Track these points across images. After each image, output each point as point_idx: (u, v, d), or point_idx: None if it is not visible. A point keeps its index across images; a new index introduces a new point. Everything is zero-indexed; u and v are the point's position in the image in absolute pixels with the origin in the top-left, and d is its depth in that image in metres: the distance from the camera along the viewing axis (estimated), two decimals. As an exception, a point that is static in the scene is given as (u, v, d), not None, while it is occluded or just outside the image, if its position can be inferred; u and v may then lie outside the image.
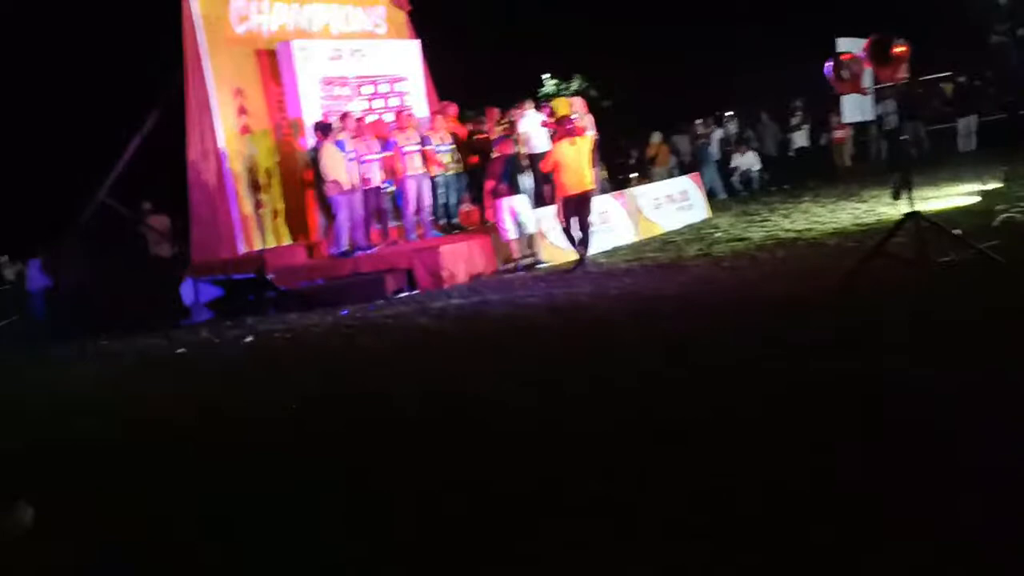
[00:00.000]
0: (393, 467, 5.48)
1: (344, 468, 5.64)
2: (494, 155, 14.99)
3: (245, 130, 15.79)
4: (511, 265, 14.34)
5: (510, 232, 14.30)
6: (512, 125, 16.27)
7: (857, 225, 13.11)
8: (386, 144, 15.36)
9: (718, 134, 24.24)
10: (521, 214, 14.21)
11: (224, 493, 5.56)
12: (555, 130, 14.72)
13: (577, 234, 13.57)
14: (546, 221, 14.53)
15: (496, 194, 14.36)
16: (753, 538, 3.77)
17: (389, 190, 15.55)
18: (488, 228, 16.01)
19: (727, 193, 23.23)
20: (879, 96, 17.73)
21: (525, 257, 14.36)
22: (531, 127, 16.12)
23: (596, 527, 4.08)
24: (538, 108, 17.05)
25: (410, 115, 16.50)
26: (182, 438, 7.11)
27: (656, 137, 24.57)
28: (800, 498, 4.08)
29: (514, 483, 4.84)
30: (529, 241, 14.50)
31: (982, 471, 4.05)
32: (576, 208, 13.47)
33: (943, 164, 19.92)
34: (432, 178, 15.92)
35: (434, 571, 4.00)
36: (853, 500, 3.98)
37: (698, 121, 24.67)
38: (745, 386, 5.91)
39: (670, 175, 22.21)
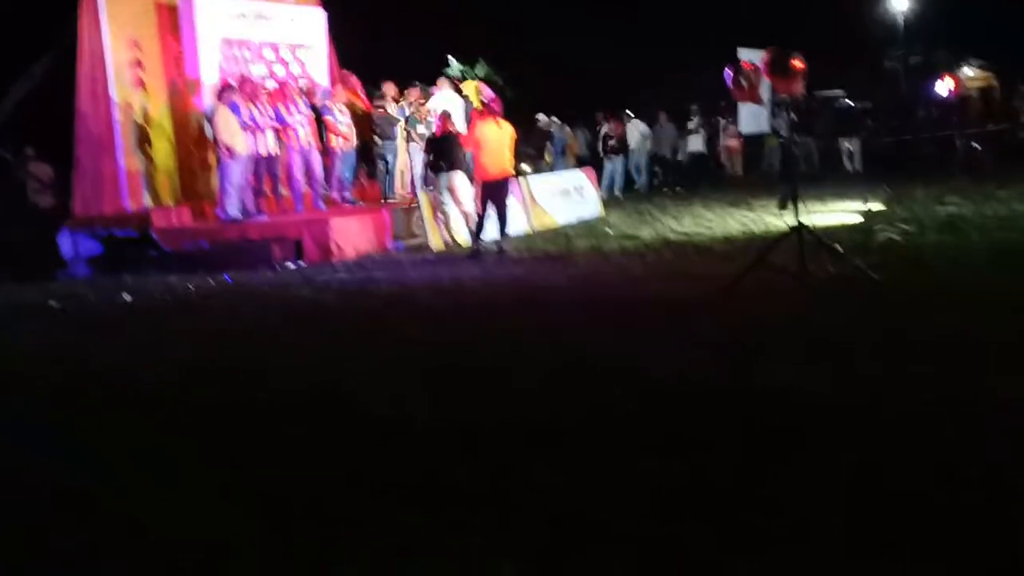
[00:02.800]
0: (254, 447, 5.31)
1: (198, 444, 5.44)
2: (431, 132, 14.98)
3: (139, 84, 15.38)
4: (449, 243, 14.29)
5: (450, 208, 14.23)
6: (422, 105, 16.29)
7: (744, 233, 13.38)
8: (278, 112, 15.14)
9: (641, 128, 24.40)
10: (460, 190, 14.09)
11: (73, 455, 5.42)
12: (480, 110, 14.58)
13: (491, 220, 13.30)
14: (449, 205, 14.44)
15: (437, 170, 14.22)
16: (628, 537, 3.79)
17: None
18: (383, 204, 15.95)
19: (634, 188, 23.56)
20: (775, 108, 18.18)
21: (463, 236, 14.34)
22: (447, 107, 16.01)
23: (469, 522, 4.02)
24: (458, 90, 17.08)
25: (300, 85, 16.33)
26: (38, 396, 6.91)
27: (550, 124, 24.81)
28: (675, 494, 4.15)
29: (380, 472, 4.78)
30: (445, 220, 14.46)
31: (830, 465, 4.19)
32: (494, 193, 13.19)
33: (830, 181, 20.48)
34: (331, 149, 15.76)
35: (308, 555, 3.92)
36: (726, 497, 4.07)
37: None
38: (621, 384, 5.96)
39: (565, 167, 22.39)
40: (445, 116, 14.69)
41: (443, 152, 14.15)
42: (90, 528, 4.27)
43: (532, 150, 25.46)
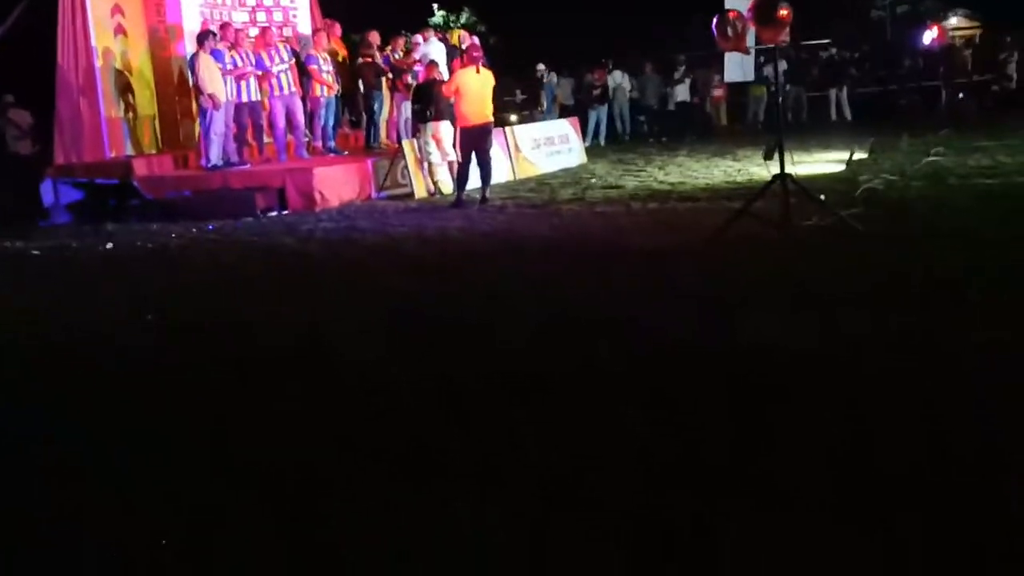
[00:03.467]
0: (238, 407, 5.23)
1: (182, 403, 5.38)
2: (416, 80, 14.87)
3: (120, 30, 15.21)
4: (433, 192, 14.27)
5: (434, 157, 14.16)
6: (406, 55, 16.19)
7: (728, 183, 13.38)
8: (260, 59, 14.98)
9: (623, 77, 24.29)
10: (444, 139, 14.02)
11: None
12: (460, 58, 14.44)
13: (472, 169, 13.20)
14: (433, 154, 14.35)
15: (421, 119, 14.13)
16: (613, 495, 3.80)
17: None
18: (368, 151, 15.87)
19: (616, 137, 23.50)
20: (763, 58, 18.05)
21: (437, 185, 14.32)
22: (433, 56, 15.88)
23: (458, 485, 4.00)
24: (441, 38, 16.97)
25: (281, 32, 16.19)
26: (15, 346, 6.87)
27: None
28: (661, 458, 4.17)
29: (364, 435, 4.77)
30: (430, 169, 14.38)
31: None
32: (476, 141, 13.07)
33: (817, 131, 20.43)
34: (314, 99, 15.64)
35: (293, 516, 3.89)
36: (714, 463, 4.09)
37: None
38: (606, 338, 5.96)
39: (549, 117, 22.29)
40: (431, 65, 14.59)
41: (427, 101, 14.06)
42: (71, 499, 4.16)
43: (524, 99, 25.52)
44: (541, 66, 24.87)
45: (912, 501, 3.54)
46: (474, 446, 4.36)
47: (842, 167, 13.88)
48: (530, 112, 24.48)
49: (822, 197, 9.69)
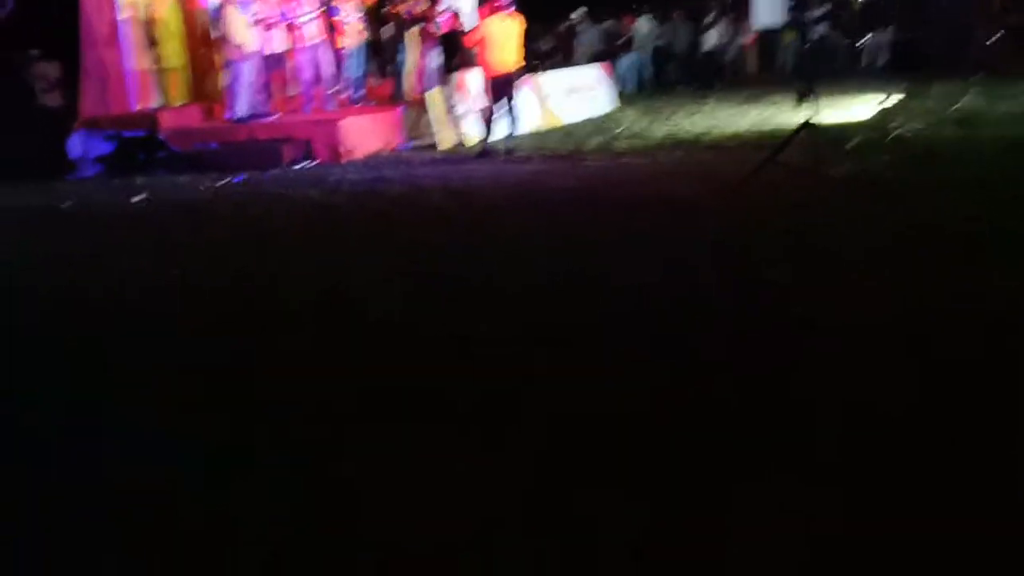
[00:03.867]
0: (259, 352, 5.31)
1: (205, 351, 5.44)
2: (440, 31, 14.82)
3: (145, -19, 15.19)
4: (459, 143, 14.18)
5: (460, 108, 14.08)
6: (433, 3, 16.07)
7: (756, 131, 13.25)
8: (286, 10, 14.92)
9: (649, 23, 24.03)
10: (470, 88, 13.93)
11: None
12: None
13: (502, 116, 13.02)
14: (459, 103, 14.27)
15: (447, 68, 14.07)
16: (639, 440, 3.82)
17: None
18: (395, 102, 15.82)
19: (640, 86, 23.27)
20: (797, 3, 17.80)
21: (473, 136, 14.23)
22: (459, 3, 15.76)
23: (470, 434, 4.02)
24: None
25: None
26: (50, 299, 6.96)
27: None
28: (679, 401, 4.18)
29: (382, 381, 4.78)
30: (455, 120, 14.30)
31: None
32: (503, 89, 12.85)
33: (851, 77, 20.15)
34: (339, 50, 15.58)
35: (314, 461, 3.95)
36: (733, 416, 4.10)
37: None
38: (629, 290, 5.96)
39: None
40: (454, 15, 14.49)
41: (452, 50, 13.98)
42: (89, 435, 4.29)
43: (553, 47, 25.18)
44: (576, 14, 24.32)
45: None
46: (490, 389, 4.41)
47: (873, 113, 13.73)
48: (560, 62, 24.20)
49: (850, 144, 9.59)
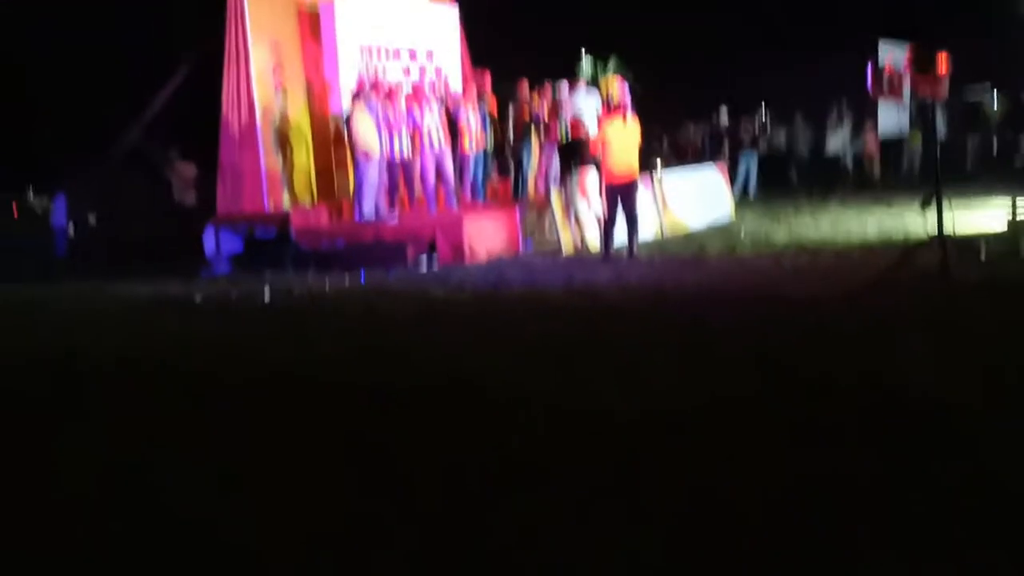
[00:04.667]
0: (399, 429, 5.57)
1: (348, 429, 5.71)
2: (563, 134, 15.27)
3: (279, 86, 15.79)
4: (581, 247, 14.37)
5: (582, 209, 14.27)
6: (558, 105, 16.38)
7: (882, 235, 13.06)
8: (411, 115, 15.34)
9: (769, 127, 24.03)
10: (591, 191, 14.09)
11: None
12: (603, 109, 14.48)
13: (617, 226, 13.08)
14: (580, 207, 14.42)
15: (568, 170, 14.33)
16: (748, 531, 3.79)
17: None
18: (517, 204, 16.03)
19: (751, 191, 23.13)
20: (921, 105, 17.56)
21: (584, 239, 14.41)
22: (584, 106, 16.02)
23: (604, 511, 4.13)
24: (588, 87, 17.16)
25: (434, 87, 16.56)
26: (188, 379, 7.20)
27: (695, 127, 24.59)
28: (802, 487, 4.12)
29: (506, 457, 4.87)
30: (577, 221, 14.46)
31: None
32: (622, 195, 12.89)
33: (982, 180, 19.73)
34: (463, 153, 15.93)
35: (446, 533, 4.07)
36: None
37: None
38: (760, 378, 5.98)
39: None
40: (577, 119, 14.72)
41: (575, 152, 14.17)
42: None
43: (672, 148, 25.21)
44: (723, 109, 24.20)
45: None
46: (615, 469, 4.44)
47: (1005, 219, 13.41)
48: (680, 160, 24.15)
49: (983, 251, 9.39)
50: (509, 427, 5.41)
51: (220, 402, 6.58)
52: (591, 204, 14.16)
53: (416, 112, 15.35)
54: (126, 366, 7.97)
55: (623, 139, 12.99)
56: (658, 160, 21.73)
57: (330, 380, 6.93)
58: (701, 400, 5.60)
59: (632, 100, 15.20)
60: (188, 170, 18.86)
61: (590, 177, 14.04)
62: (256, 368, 7.66)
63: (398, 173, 15.31)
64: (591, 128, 14.60)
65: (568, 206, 14.44)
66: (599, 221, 13.84)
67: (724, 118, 23.58)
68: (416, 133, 15.32)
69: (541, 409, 5.69)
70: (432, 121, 15.49)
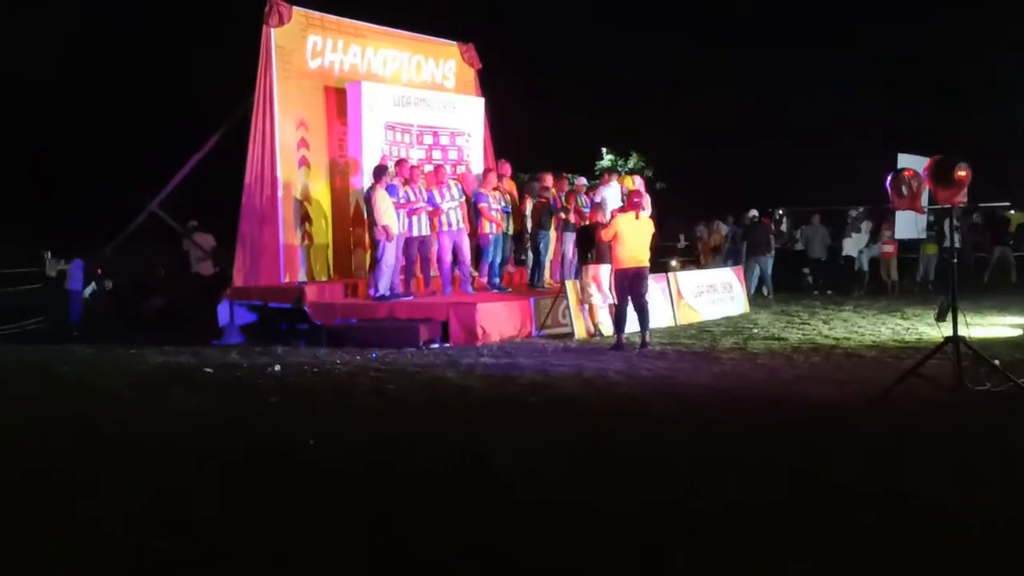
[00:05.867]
0: (403, 516, 5.49)
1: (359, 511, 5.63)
2: (585, 222, 15.49)
3: (303, 162, 15.99)
4: (593, 333, 14.42)
5: (595, 299, 14.34)
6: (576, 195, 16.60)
7: (896, 341, 13.03)
8: (431, 195, 15.48)
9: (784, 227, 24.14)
10: (605, 281, 14.19)
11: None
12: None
13: (628, 313, 13.21)
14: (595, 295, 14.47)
15: (585, 260, 14.44)
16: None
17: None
18: (529, 291, 16.08)
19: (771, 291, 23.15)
20: (940, 215, 17.64)
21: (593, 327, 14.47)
22: (612, 198, 16.16)
23: None
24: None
25: (454, 170, 16.77)
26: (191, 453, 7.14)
27: (719, 226, 24.73)
28: None
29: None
30: (591, 311, 14.52)
31: None
32: (631, 284, 13.12)
33: (995, 293, 19.74)
34: (483, 235, 16.03)
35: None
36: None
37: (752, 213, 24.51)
38: (767, 482, 5.89)
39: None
40: (596, 208, 14.84)
41: (590, 242, 14.28)
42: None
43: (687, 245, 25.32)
44: (751, 213, 24.38)
45: None
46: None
47: (1020, 332, 13.38)
48: (696, 260, 24.29)
49: (996, 362, 9.34)
50: (518, 522, 5.34)
51: (223, 481, 6.53)
52: (604, 293, 14.23)
53: (436, 193, 15.49)
54: (131, 441, 7.92)
55: (635, 233, 13.20)
56: (673, 262, 21.86)
57: (333, 465, 6.87)
58: (719, 506, 5.52)
59: (651, 196, 15.38)
60: (206, 240, 19.03)
61: (603, 267, 14.14)
62: (259, 443, 7.64)
63: (415, 253, 15.41)
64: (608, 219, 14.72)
65: (582, 293, 14.48)
66: (611, 309, 13.92)
67: (746, 220, 23.69)
68: (435, 213, 15.45)
69: (560, 506, 5.62)
70: (452, 202, 15.63)
